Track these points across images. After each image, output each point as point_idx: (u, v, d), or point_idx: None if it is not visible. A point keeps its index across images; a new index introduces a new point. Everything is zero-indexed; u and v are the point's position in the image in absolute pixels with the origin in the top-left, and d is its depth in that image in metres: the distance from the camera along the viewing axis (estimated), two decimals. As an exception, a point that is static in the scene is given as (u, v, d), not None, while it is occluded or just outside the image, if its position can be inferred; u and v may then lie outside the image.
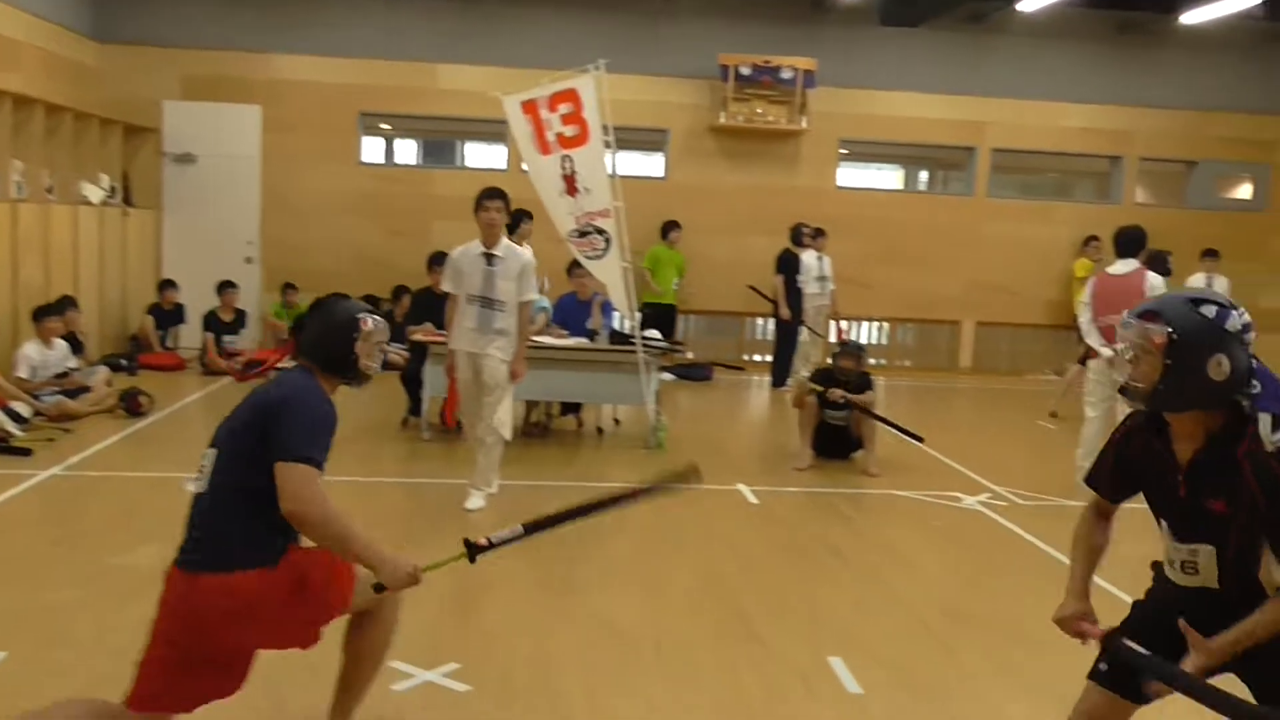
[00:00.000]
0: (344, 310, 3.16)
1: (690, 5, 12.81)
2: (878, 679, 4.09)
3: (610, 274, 8.20)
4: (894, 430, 7.85)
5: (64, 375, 8.56)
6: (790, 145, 13.15)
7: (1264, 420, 2.39)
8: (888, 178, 18.10)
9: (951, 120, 13.36)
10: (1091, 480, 2.80)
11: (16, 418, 7.51)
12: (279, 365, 3.18)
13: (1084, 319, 7.47)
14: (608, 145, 7.96)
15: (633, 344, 8.15)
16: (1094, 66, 13.45)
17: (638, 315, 8.53)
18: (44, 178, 9.84)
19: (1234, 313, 2.42)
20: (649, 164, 14.51)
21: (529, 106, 7.80)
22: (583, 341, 8.46)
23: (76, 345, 9.17)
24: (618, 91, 8.52)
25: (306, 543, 3.07)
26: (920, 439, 7.98)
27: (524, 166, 8.14)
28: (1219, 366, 2.37)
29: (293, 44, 12.41)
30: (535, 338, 8.34)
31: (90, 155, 10.89)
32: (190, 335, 11.45)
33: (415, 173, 14.02)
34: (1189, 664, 2.43)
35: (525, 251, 6.35)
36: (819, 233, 11.94)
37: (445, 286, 6.34)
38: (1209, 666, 2.41)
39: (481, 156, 16.90)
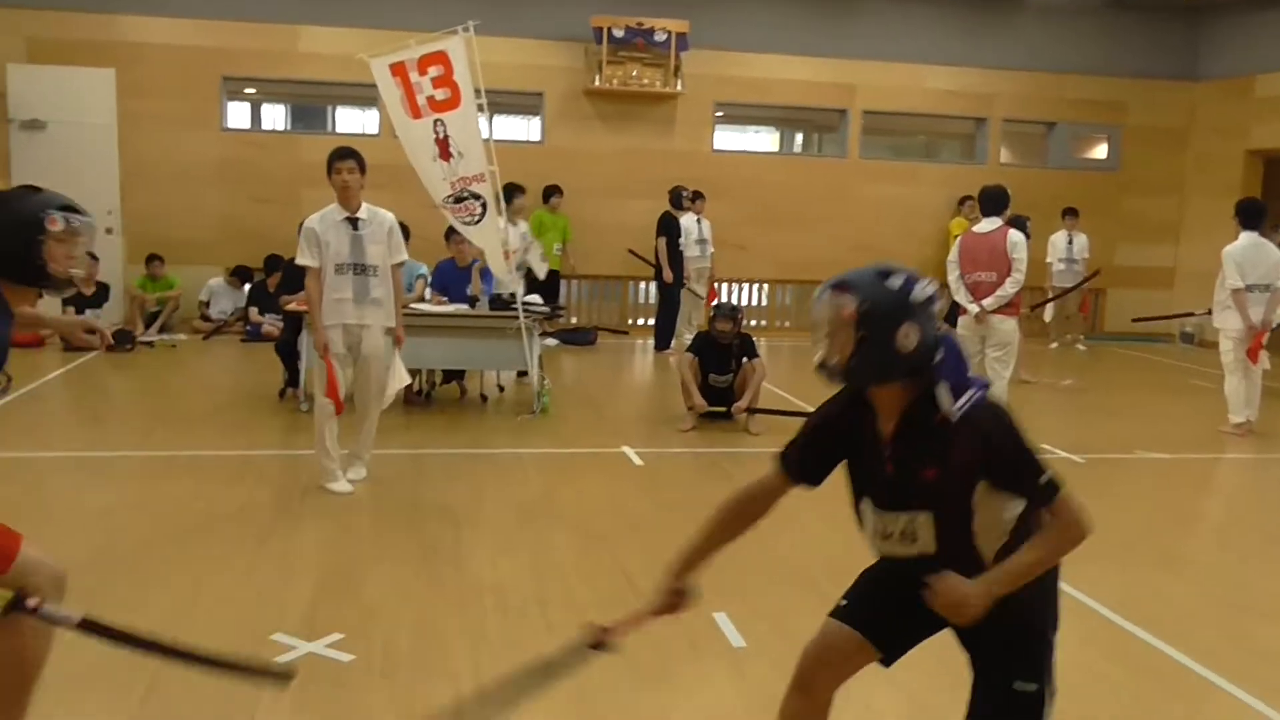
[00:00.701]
0: (26, 206, 2.78)
1: (563, -34, 12.69)
2: (760, 632, 4.19)
3: (488, 239, 8.12)
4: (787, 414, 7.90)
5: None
6: (666, 108, 13.18)
7: (942, 388, 2.35)
8: (764, 140, 18.31)
9: (823, 83, 13.57)
10: (783, 459, 2.61)
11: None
12: None
13: (952, 276, 7.73)
14: (481, 109, 7.84)
15: (514, 309, 8.10)
16: (957, 31, 13.82)
17: (519, 279, 8.47)
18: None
19: (920, 283, 2.39)
20: (525, 128, 14.37)
21: (398, 69, 7.62)
22: (463, 308, 8.37)
23: None
24: (490, 54, 8.40)
25: None
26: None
27: (396, 132, 7.96)
28: (906, 338, 2.33)
29: (148, 5, 11.87)
30: (415, 305, 8.25)
31: (-72, 122, 10.25)
32: (49, 310, 10.89)
33: (282, 138, 13.57)
34: (957, 583, 2.33)
35: (387, 213, 6.02)
36: (698, 195, 12.04)
37: (304, 260, 5.83)
38: (989, 599, 2.33)
39: (354, 121, 16.49)
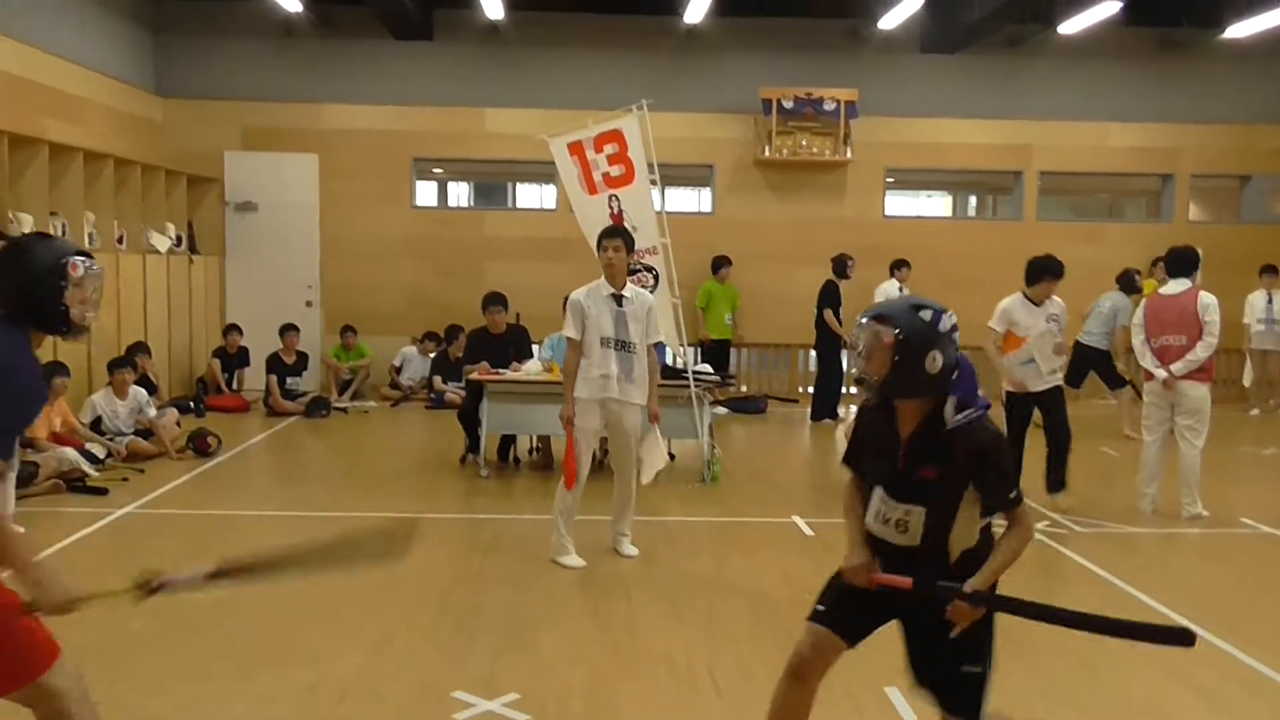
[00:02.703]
0: (46, 254, 2.75)
1: (730, 41, 12.98)
2: (932, 707, 4.10)
3: (660, 310, 8.30)
4: None
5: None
6: (836, 176, 13.23)
7: (950, 402, 2.91)
8: (937, 205, 18.08)
9: (996, 145, 13.36)
10: (847, 460, 3.27)
11: (92, 459, 7.81)
12: None
13: (1137, 341, 7.44)
14: (654, 183, 8.09)
15: (685, 379, 8.24)
16: (1138, 85, 13.38)
17: (689, 350, 8.61)
18: (114, 228, 10.21)
19: (945, 315, 2.95)
20: (696, 199, 14.65)
21: (575, 148, 7.98)
22: (635, 376, 8.54)
23: (151, 388, 9.49)
24: (662, 129, 8.68)
25: None
26: None
27: (572, 207, 8.29)
28: (934, 361, 2.88)
29: (346, 94, 12.79)
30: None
31: (157, 206, 11.28)
32: (254, 377, 11.75)
33: (467, 214, 14.30)
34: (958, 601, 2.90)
35: (648, 294, 6.15)
36: (902, 264, 11.90)
37: (568, 332, 5.95)
38: (978, 593, 2.90)
39: (533, 197, 17.19)
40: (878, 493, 3.07)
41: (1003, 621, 4.56)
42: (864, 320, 2.97)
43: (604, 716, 3.99)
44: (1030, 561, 6.26)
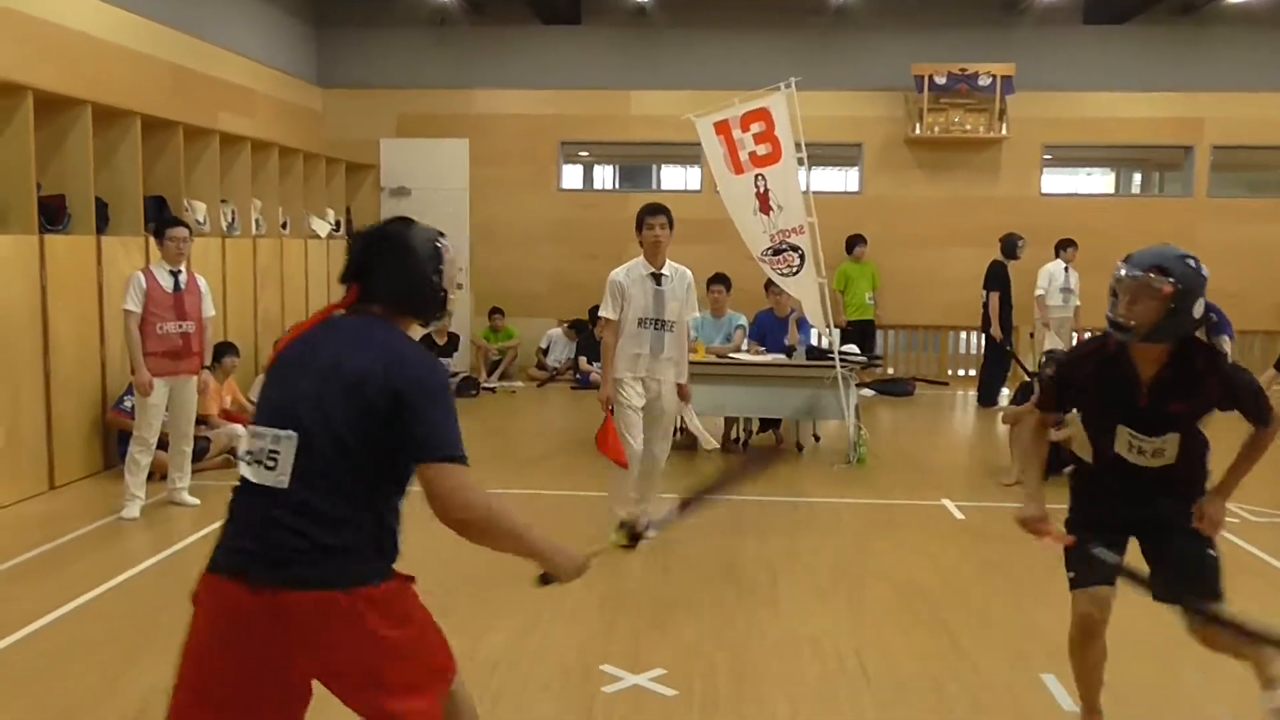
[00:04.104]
0: (423, 239, 2.57)
1: (880, 17, 12.68)
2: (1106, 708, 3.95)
3: (806, 290, 8.21)
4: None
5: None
6: (990, 153, 12.80)
7: (1224, 341, 3.41)
8: (1098, 182, 17.32)
9: (1164, 118, 12.69)
10: (1041, 404, 3.53)
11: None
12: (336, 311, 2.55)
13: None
14: (800, 162, 7.99)
15: (830, 359, 8.13)
16: (1323, 52, 12.49)
17: (835, 330, 8.49)
18: (279, 214, 10.68)
19: (1202, 264, 3.16)
20: (843, 179, 14.41)
21: (721, 127, 7.93)
22: (780, 357, 8.49)
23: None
24: (810, 108, 8.55)
25: None
26: None
27: (717, 187, 8.26)
28: (1199, 308, 3.12)
29: (496, 79, 13.03)
30: (733, 354, 8.47)
31: (317, 192, 11.74)
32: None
33: (611, 197, 14.40)
34: (1211, 505, 3.31)
35: (687, 270, 6.04)
36: (1069, 243, 11.43)
37: (605, 312, 5.87)
38: (1223, 503, 3.33)
39: (677, 179, 17.21)
40: (1124, 430, 3.28)
41: (1167, 629, 4.37)
42: (1136, 272, 3.12)
43: (750, 695, 3.98)
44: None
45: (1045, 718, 3.84)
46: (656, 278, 5.87)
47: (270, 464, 2.31)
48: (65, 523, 6.27)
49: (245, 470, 2.37)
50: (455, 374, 11.83)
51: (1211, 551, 3.34)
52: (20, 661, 4.27)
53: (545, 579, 2.67)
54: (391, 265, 2.51)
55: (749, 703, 3.92)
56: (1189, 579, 3.27)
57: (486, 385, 11.94)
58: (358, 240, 2.59)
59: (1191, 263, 3.13)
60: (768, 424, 9.08)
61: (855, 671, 4.22)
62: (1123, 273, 3.17)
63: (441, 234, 2.63)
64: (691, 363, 8.18)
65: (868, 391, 11.54)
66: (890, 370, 12.92)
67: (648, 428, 6.03)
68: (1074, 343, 11.44)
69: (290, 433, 2.31)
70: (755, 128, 7.83)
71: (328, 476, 2.30)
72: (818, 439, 9.22)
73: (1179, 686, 4.14)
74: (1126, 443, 3.30)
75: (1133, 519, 3.39)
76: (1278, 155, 13.84)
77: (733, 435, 8.94)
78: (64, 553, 5.76)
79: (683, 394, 6.08)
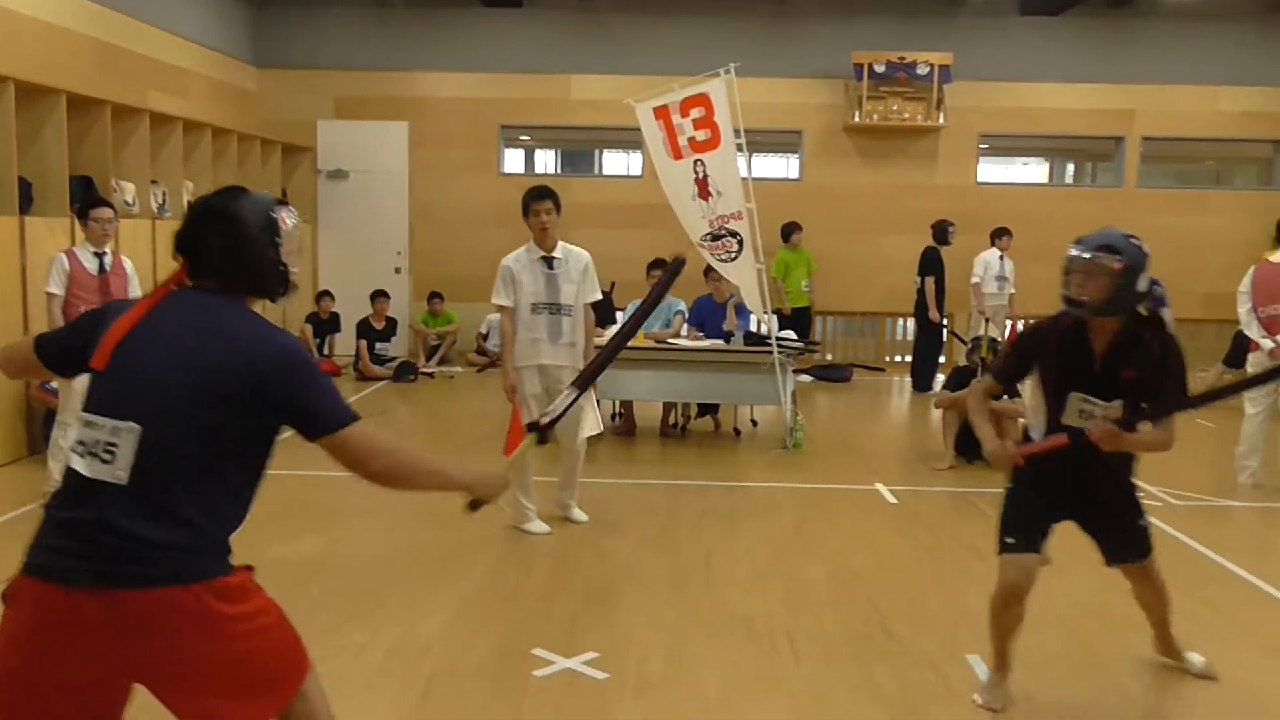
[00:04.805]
0: (255, 209, 2.38)
1: (821, 4, 12.75)
2: (1016, 678, 4.03)
3: (744, 276, 8.25)
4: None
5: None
6: (928, 142, 12.94)
7: (1166, 312, 3.70)
8: (1033, 172, 17.61)
9: (1097, 110, 12.93)
10: (996, 374, 3.92)
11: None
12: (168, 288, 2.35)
13: (1243, 309, 7.17)
14: (740, 148, 8.02)
15: (768, 345, 8.18)
16: (1250, 47, 12.78)
17: (772, 316, 8.54)
18: (211, 197, 10.46)
19: (1145, 245, 3.53)
20: (784, 166, 14.48)
21: (661, 112, 7.93)
22: (718, 343, 8.53)
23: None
24: (751, 94, 8.58)
25: None
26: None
27: (657, 172, 8.26)
28: (1144, 281, 3.48)
29: (436, 61, 12.89)
30: (672, 340, 8.49)
31: (253, 174, 11.53)
32: (345, 343, 11.99)
33: (552, 181, 14.11)
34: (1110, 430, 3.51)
35: (583, 251, 5.90)
36: (1003, 232, 11.58)
37: (498, 299, 5.79)
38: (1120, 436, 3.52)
39: (619, 164, 17.19)
40: (1076, 396, 3.57)
41: (1094, 609, 4.49)
42: (1086, 253, 3.45)
43: (682, 678, 4.00)
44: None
45: (970, 696, 3.90)
46: (548, 261, 5.78)
47: (107, 457, 2.14)
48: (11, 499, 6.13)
49: (77, 463, 2.18)
50: (393, 358, 11.74)
51: (1141, 521, 3.82)
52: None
53: (474, 505, 2.62)
54: (220, 239, 2.33)
55: (680, 684, 3.94)
56: (1127, 546, 3.82)
57: (425, 370, 11.85)
58: (187, 212, 2.42)
59: (1135, 241, 3.49)
60: (706, 409, 9.13)
61: (786, 653, 4.27)
62: (1074, 253, 3.49)
63: (281, 202, 2.47)
64: (630, 348, 8.26)
65: (806, 377, 11.65)
66: (829, 356, 13.03)
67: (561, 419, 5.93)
68: (1008, 330, 11.64)
69: (131, 424, 2.15)
70: (695, 113, 7.83)
71: (172, 470, 2.16)
72: (755, 424, 9.28)
73: (1092, 656, 4.24)
74: (1077, 409, 3.57)
75: (1072, 497, 3.71)
76: (1205, 147, 14.20)
77: (671, 420, 8.97)
78: (18, 526, 5.62)
79: None
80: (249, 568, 2.30)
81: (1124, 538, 3.82)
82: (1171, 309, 3.77)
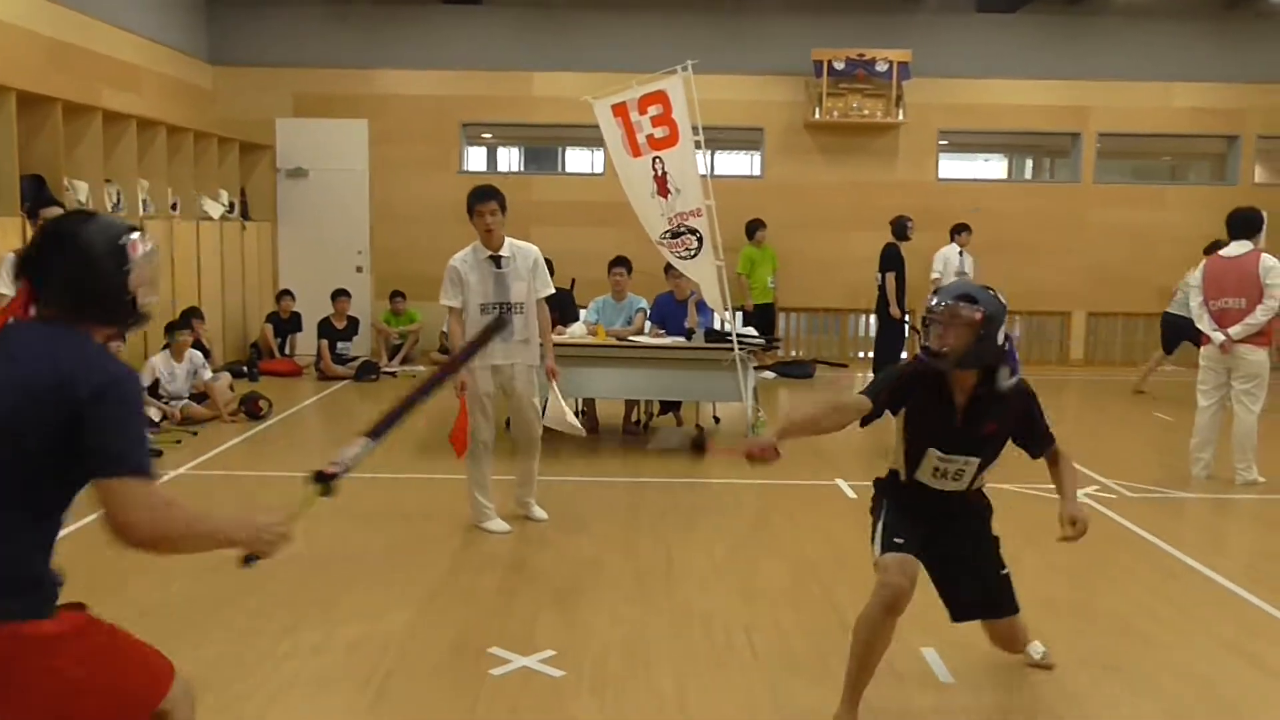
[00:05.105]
0: (101, 236, 2.28)
1: (781, 2, 12.80)
2: (968, 669, 4.08)
3: (704, 273, 8.25)
4: None
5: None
6: (888, 138, 13.03)
7: (1004, 370, 3.48)
8: (992, 168, 17.77)
9: (1054, 106, 13.08)
10: (876, 398, 3.56)
11: (148, 422, 7.96)
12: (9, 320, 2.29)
13: (1194, 303, 7.27)
14: (698, 145, 8.02)
15: (729, 342, 8.20)
16: (1203, 44, 13.00)
17: (731, 313, 8.55)
18: (168, 195, 10.36)
19: (1001, 296, 3.51)
20: (745, 163, 14.52)
21: (619, 110, 7.92)
22: (680, 340, 8.54)
23: (204, 352, 9.66)
24: (712, 91, 8.59)
25: None
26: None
27: (616, 170, 8.25)
28: (1002, 335, 3.43)
29: (395, 59, 12.81)
30: (633, 337, 8.49)
31: (210, 172, 11.43)
32: (306, 342, 11.90)
33: (515, 179, 14.27)
34: (1077, 511, 3.59)
35: (532, 246, 5.90)
36: (962, 228, 11.64)
37: (446, 300, 5.74)
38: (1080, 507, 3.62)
39: (583, 162, 17.15)
40: (933, 452, 3.54)
41: (1041, 601, 4.54)
42: (947, 301, 3.41)
43: (638, 674, 4.01)
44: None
45: (924, 689, 3.94)
46: (496, 260, 5.75)
47: None
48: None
49: None
50: (355, 358, 11.66)
51: (1004, 570, 3.76)
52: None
53: (249, 559, 2.44)
54: (61, 266, 2.24)
55: (637, 681, 3.94)
56: (990, 599, 3.75)
57: (388, 370, 11.78)
58: (34, 235, 2.33)
59: (993, 293, 3.48)
60: (668, 406, 9.14)
61: (744, 648, 4.28)
62: (934, 303, 3.46)
63: (133, 228, 2.37)
64: (591, 345, 8.27)
65: (769, 374, 11.70)
66: (794, 353, 13.09)
67: (513, 415, 5.96)
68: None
69: None
70: (653, 110, 7.83)
71: (2, 500, 2.09)
72: (717, 420, 9.31)
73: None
74: (932, 467, 3.58)
75: (929, 539, 3.63)
76: (1159, 143, 14.39)
77: (633, 417, 8.97)
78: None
79: (550, 373, 5.95)
80: (78, 605, 2.23)
81: (988, 590, 3.73)
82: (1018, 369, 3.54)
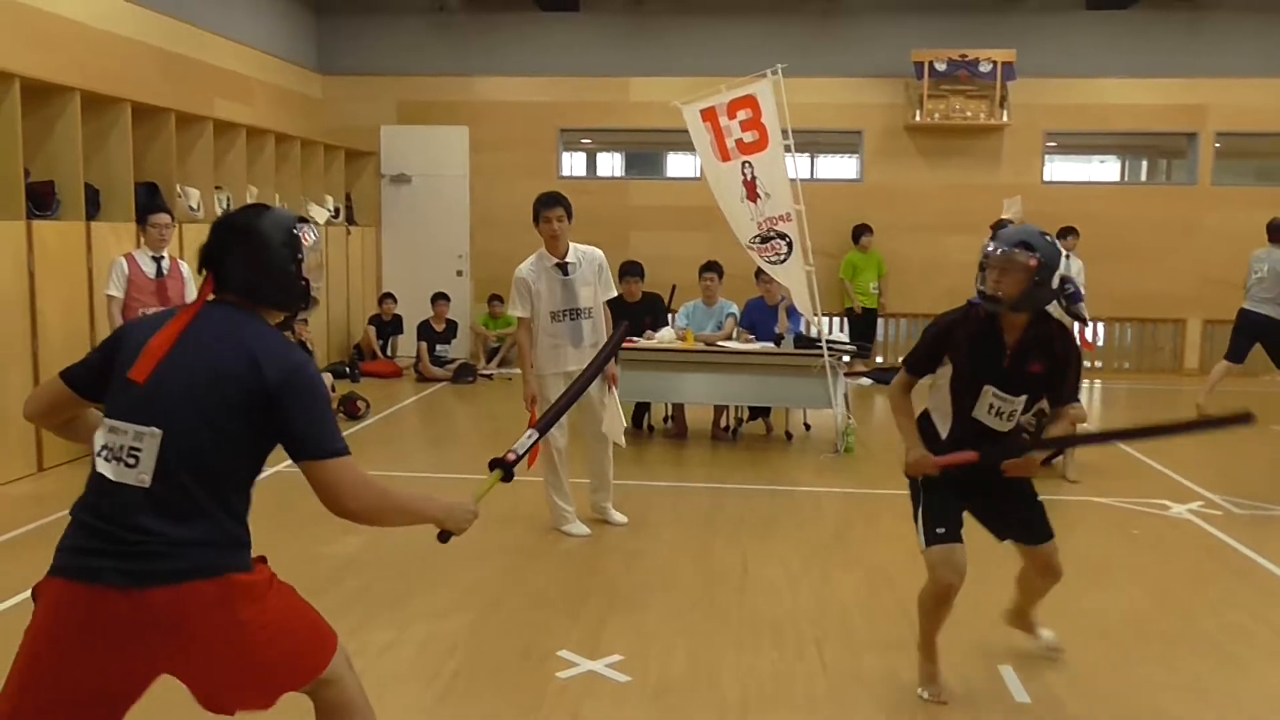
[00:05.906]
0: (277, 227, 2.46)
1: (879, 2, 12.60)
2: (1048, 689, 3.95)
3: (793, 278, 8.18)
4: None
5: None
6: (991, 141, 12.71)
7: (1082, 307, 3.73)
8: (1104, 170, 17.19)
9: (1166, 105, 12.57)
10: (912, 366, 3.85)
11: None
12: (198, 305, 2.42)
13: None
14: (789, 149, 7.96)
15: (818, 347, 8.11)
16: (1330, 38, 12.33)
17: (821, 319, 8.46)
18: (276, 201, 10.71)
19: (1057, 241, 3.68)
20: (844, 167, 14.33)
21: (708, 114, 7.91)
22: (769, 346, 8.48)
23: (309, 353, 9.95)
24: (809, 94, 8.52)
25: None
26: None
27: (705, 174, 8.24)
28: (1056, 280, 3.61)
29: (495, 66, 13.02)
30: (723, 343, 8.47)
31: (316, 179, 11.78)
32: (407, 344, 12.17)
33: (613, 184, 14.38)
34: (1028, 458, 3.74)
35: (596, 250, 5.91)
36: (1069, 231, 11.30)
37: (514, 311, 5.82)
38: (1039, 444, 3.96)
39: (684, 167, 17.17)
40: (989, 390, 3.68)
41: (1130, 619, 4.39)
42: (1004, 247, 3.55)
43: (702, 684, 3.98)
44: (1177, 541, 5.96)
45: (1000, 709, 3.83)
46: (562, 268, 5.77)
47: (131, 461, 2.25)
48: (52, 503, 6.32)
49: (102, 467, 2.28)
50: (453, 360, 11.88)
51: (1039, 500, 3.92)
52: (10, 628, 4.30)
53: (443, 536, 2.66)
54: (240, 254, 2.42)
55: (701, 689, 3.93)
56: (1029, 528, 3.88)
57: (484, 372, 11.97)
58: (211, 228, 2.50)
59: (1050, 239, 3.61)
60: (757, 412, 9.08)
61: (813, 660, 4.23)
62: (991, 249, 3.59)
63: (303, 219, 2.55)
64: (681, 351, 8.27)
65: (866, 380, 11.52)
66: (878, 360, 12.88)
67: (585, 421, 5.96)
68: (1075, 331, 11.36)
69: (154, 429, 2.25)
70: (742, 115, 7.80)
71: (190, 474, 2.26)
72: (808, 428, 9.20)
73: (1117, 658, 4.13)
74: (989, 404, 3.71)
75: (965, 496, 3.81)
76: (1282, 143, 13.70)
77: (722, 423, 8.93)
78: (52, 530, 5.81)
79: (609, 377, 5.92)
80: (262, 558, 2.43)
81: (1023, 515, 3.88)
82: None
